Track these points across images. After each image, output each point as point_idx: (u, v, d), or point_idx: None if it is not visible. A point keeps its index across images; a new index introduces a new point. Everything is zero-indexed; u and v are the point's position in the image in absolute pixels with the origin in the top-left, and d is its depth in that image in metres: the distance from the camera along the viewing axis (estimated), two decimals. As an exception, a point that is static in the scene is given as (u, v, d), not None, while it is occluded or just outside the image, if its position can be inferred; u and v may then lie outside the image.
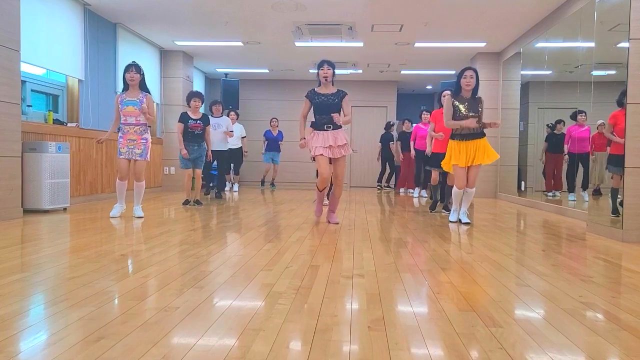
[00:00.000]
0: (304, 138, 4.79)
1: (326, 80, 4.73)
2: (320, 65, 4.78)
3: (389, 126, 10.59)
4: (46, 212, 5.32)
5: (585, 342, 1.78)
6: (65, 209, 5.61)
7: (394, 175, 10.83)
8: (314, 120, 4.81)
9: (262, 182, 10.61)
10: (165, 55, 9.47)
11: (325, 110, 4.70)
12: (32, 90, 6.09)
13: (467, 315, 2.02)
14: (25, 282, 2.49)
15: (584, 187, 6.31)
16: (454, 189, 5.02)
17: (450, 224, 5.04)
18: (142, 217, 5.11)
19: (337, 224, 4.88)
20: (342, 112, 4.80)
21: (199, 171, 6.56)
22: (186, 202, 6.56)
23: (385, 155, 10.45)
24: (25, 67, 5.65)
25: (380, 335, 1.79)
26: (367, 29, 7.79)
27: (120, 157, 5.02)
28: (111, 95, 7.47)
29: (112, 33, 7.65)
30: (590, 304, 2.23)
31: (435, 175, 6.06)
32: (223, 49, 9.30)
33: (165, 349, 1.63)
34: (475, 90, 4.92)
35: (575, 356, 1.66)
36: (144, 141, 5.05)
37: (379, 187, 10.71)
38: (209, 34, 8.26)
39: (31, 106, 6.01)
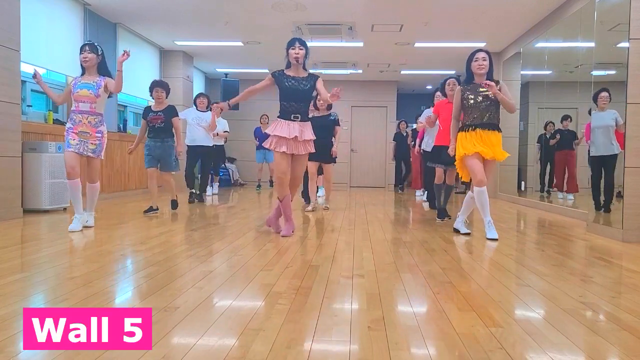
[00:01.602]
0: (229, 102, 4.09)
1: (297, 61, 3.98)
2: (291, 44, 4.01)
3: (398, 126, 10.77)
4: (46, 212, 5.32)
5: (585, 342, 1.78)
6: (65, 209, 5.61)
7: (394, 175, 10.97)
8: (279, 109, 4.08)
9: (259, 185, 10.12)
10: (165, 55, 9.47)
11: (295, 97, 3.99)
12: (32, 90, 6.08)
13: (467, 315, 2.02)
14: (25, 282, 2.49)
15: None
16: (476, 189, 3.98)
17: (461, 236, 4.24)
18: (92, 226, 4.29)
19: (289, 235, 4.03)
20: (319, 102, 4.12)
21: (167, 175, 5.57)
22: (149, 210, 5.39)
23: (399, 155, 10.65)
24: (25, 67, 5.64)
25: (380, 335, 1.78)
26: (367, 29, 7.79)
27: (69, 149, 4.09)
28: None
29: (112, 33, 7.65)
30: (590, 304, 2.23)
31: (439, 172, 5.24)
32: (223, 49, 9.30)
33: (165, 349, 1.63)
34: (490, 75, 4.16)
35: (575, 356, 1.66)
36: (99, 135, 4.17)
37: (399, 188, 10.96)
38: (209, 34, 8.26)
39: (31, 106, 6.01)
